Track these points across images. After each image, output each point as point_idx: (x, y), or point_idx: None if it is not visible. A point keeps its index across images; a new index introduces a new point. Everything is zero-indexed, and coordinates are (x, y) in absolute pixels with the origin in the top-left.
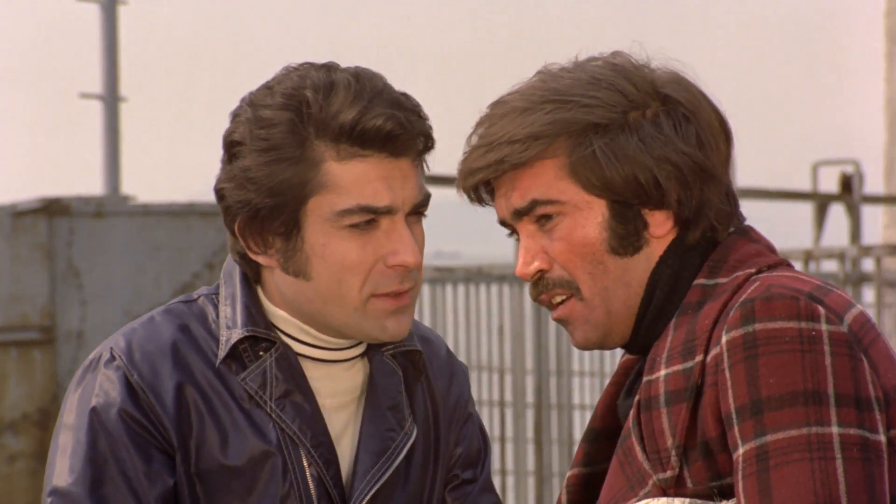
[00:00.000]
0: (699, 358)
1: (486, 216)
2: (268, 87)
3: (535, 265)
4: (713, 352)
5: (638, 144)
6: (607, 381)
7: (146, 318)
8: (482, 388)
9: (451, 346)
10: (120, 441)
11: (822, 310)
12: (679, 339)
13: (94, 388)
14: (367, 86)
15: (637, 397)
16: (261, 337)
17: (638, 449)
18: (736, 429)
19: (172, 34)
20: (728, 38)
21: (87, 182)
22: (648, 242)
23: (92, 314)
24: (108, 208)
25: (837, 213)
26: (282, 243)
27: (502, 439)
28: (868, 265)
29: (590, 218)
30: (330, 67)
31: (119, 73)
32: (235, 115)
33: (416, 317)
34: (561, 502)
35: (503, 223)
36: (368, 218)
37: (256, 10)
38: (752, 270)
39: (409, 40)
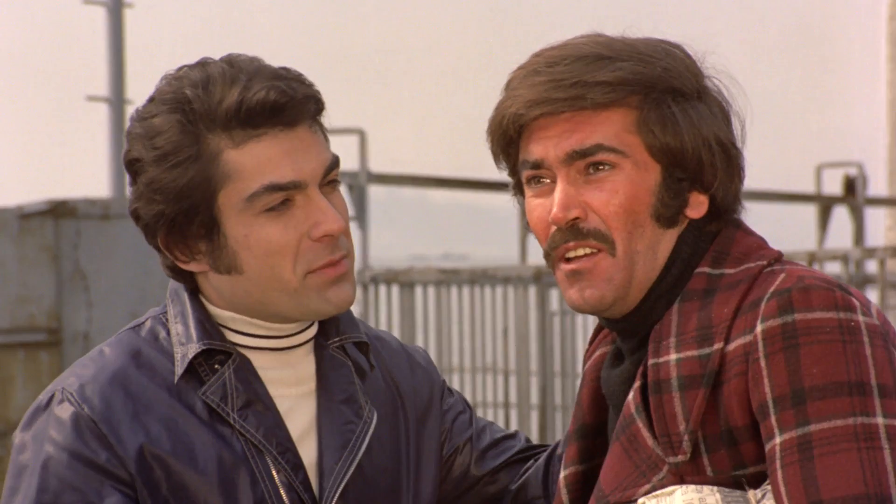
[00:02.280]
0: (718, 346)
1: (495, 218)
2: (151, 99)
3: (574, 212)
4: (739, 341)
5: (707, 120)
6: None
7: (96, 352)
8: (487, 390)
9: (455, 347)
10: (69, 486)
11: (856, 301)
12: (690, 326)
13: (46, 431)
14: (242, 68)
15: (639, 382)
16: (216, 350)
17: (647, 434)
18: (773, 418)
19: (178, 37)
20: (730, 41)
21: (93, 184)
22: (681, 221)
23: (98, 316)
24: (115, 210)
25: (841, 215)
26: (206, 245)
27: None
28: (871, 267)
29: (645, 178)
30: (204, 63)
31: (125, 75)
32: (128, 134)
33: (421, 320)
34: (561, 502)
35: (536, 165)
36: (281, 198)
37: (262, 14)
38: (763, 263)
39: (411, 42)
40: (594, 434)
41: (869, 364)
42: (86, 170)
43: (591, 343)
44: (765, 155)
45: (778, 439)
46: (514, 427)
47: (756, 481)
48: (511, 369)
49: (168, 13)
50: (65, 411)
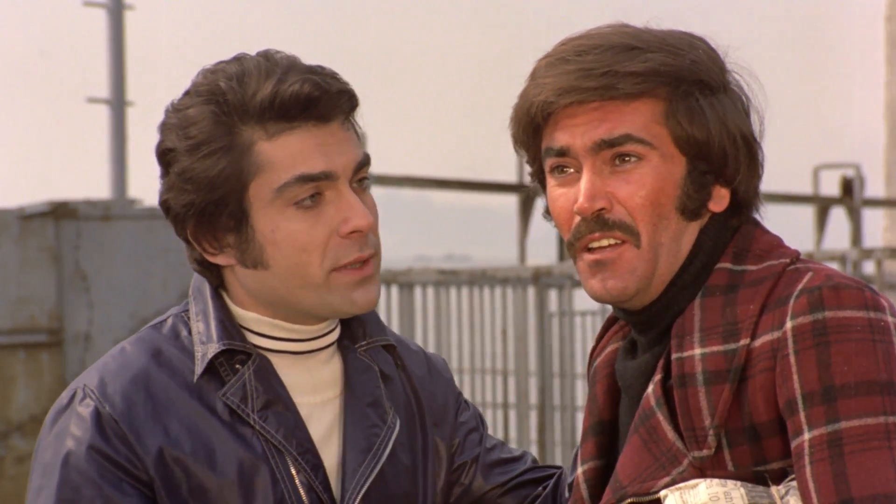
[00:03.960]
0: (744, 342)
1: (496, 219)
2: (187, 92)
3: (600, 202)
4: (766, 337)
5: (732, 114)
6: None
7: (118, 350)
8: (486, 390)
9: (454, 348)
10: (88, 480)
11: (884, 302)
12: (714, 321)
13: (68, 428)
14: (278, 62)
15: (660, 375)
16: (236, 350)
17: (667, 427)
18: (802, 414)
19: (178, 39)
20: (728, 42)
21: (94, 185)
22: (704, 214)
23: (99, 317)
24: (115, 211)
25: (838, 216)
26: (234, 238)
27: (506, 441)
28: (869, 268)
29: (671, 170)
30: (240, 58)
31: (126, 77)
32: (162, 125)
33: (420, 320)
34: (580, 498)
35: (562, 153)
36: (311, 191)
37: (262, 15)
38: (786, 261)
39: (412, 44)
40: (611, 429)
41: None
42: (86, 171)
43: (599, 339)
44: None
45: (807, 435)
46: (512, 427)
47: (777, 477)
48: (510, 370)
49: (168, 15)
50: (86, 408)
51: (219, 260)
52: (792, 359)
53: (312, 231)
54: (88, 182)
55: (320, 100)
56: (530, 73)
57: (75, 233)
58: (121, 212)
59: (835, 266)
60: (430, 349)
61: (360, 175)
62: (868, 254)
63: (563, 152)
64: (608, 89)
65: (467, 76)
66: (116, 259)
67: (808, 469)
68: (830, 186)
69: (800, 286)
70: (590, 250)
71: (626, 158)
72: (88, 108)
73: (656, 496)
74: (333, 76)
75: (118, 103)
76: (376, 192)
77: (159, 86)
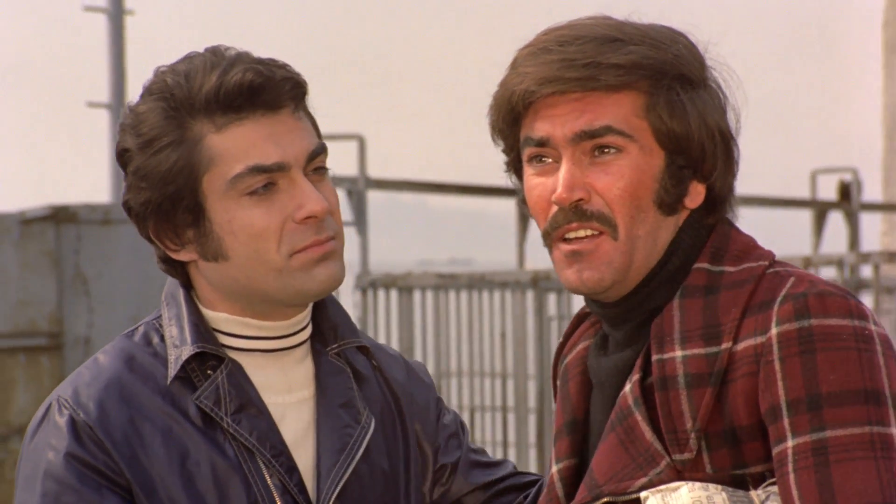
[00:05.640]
0: (726, 345)
1: (494, 223)
2: (141, 94)
3: (578, 193)
4: (749, 342)
5: (711, 110)
6: None
7: (91, 360)
8: (484, 394)
9: (453, 352)
10: (69, 487)
11: (868, 310)
12: (694, 323)
13: (46, 440)
14: (223, 55)
15: (638, 374)
16: (209, 353)
17: (645, 427)
18: (786, 421)
19: (179, 44)
20: (724, 47)
21: (94, 190)
22: (680, 210)
23: (99, 320)
24: (115, 216)
25: (836, 220)
26: (193, 232)
27: (504, 444)
28: (866, 272)
29: (649, 163)
30: (190, 56)
31: (126, 82)
32: (119, 127)
33: (419, 324)
34: (556, 497)
35: (541, 143)
36: (264, 181)
37: (262, 20)
38: (765, 264)
39: (411, 47)
40: (585, 428)
41: (882, 374)
42: (87, 175)
43: (567, 336)
44: (760, 160)
45: (790, 442)
46: (511, 430)
47: (756, 481)
48: (509, 373)
49: (169, 20)
50: (62, 417)
51: (181, 256)
52: (777, 365)
53: (267, 217)
54: (89, 186)
55: (264, 87)
56: (511, 62)
57: (75, 237)
58: (121, 216)
59: (832, 270)
60: (430, 353)
61: (316, 164)
62: (865, 258)
63: (542, 142)
64: (590, 80)
65: (466, 79)
66: (116, 263)
67: (791, 476)
68: (828, 191)
69: (783, 291)
70: (566, 240)
71: (606, 150)
72: (89, 113)
73: (633, 496)
74: (282, 66)
75: (118, 107)
76: (375, 196)
77: None
